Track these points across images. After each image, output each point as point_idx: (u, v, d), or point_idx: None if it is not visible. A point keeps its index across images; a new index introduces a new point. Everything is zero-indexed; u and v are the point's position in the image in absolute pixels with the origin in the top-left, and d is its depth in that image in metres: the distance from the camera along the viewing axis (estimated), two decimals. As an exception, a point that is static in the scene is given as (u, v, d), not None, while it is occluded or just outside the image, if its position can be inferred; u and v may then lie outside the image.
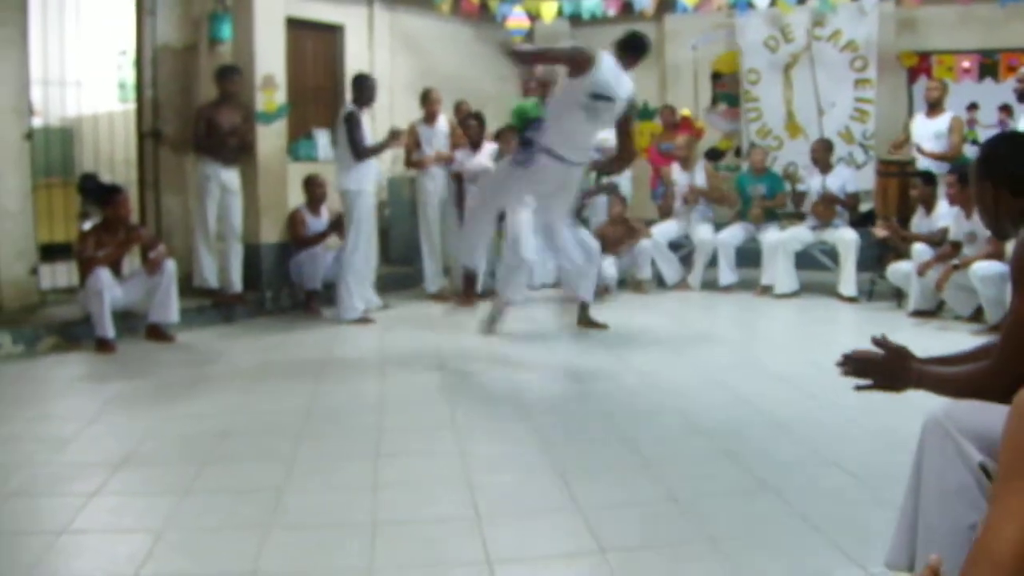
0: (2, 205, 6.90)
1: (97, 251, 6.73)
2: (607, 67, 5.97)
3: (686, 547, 3.23)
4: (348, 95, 8.09)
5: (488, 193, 6.80)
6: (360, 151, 7.82)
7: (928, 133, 8.62)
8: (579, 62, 5.93)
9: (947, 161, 8.29)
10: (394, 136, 7.98)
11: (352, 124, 7.82)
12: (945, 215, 7.81)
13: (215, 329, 7.57)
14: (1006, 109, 9.57)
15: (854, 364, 2.68)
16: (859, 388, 2.70)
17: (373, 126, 8.47)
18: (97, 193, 7.24)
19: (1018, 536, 1.27)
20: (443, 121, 9.13)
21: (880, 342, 2.65)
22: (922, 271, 7.60)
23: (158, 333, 7.00)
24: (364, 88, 7.97)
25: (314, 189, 8.46)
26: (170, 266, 6.94)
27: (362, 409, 5.17)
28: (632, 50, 6.16)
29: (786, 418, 4.83)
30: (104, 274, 6.65)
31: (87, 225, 7.02)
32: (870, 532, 3.16)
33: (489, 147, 8.86)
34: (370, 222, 8.24)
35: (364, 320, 7.94)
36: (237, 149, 7.94)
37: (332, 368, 6.31)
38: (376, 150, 8.02)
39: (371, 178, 8.12)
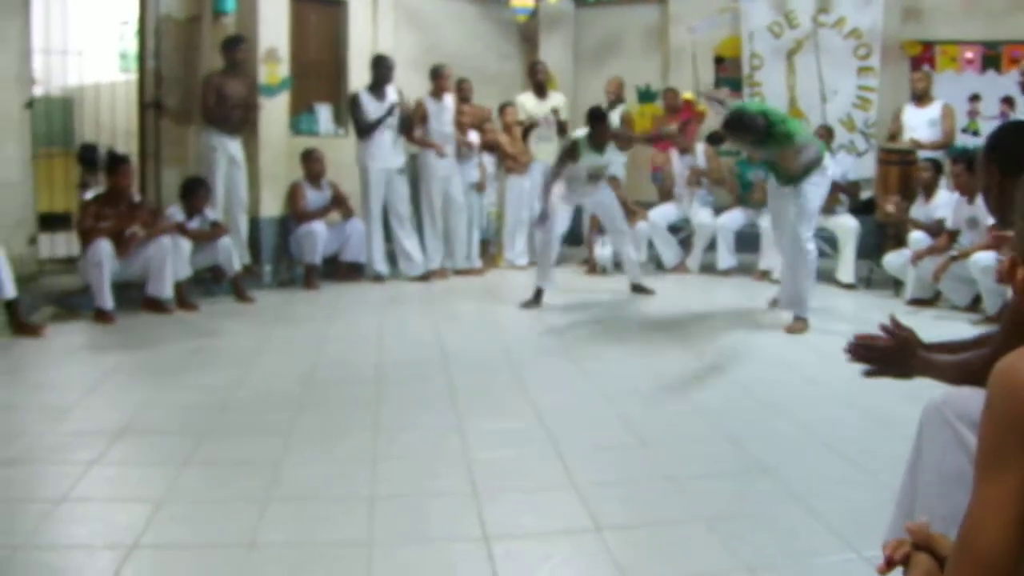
0: (1, 174, 6.89)
1: (98, 222, 6.71)
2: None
3: (681, 527, 3.25)
4: (352, 71, 8.25)
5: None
6: (360, 129, 8.43)
7: (920, 122, 8.63)
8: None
9: (941, 148, 8.29)
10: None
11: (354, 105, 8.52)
12: (943, 205, 7.79)
13: (214, 302, 7.56)
14: (1008, 101, 9.55)
15: (861, 350, 2.66)
16: (867, 374, 2.68)
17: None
18: (105, 162, 7.24)
19: (999, 531, 1.24)
20: (449, 99, 9.10)
21: (886, 328, 2.63)
22: (915, 260, 7.61)
23: (154, 304, 6.99)
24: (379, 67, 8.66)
25: (312, 163, 8.45)
26: (165, 242, 6.92)
27: (362, 382, 5.19)
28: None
29: (784, 402, 4.84)
30: (105, 245, 6.64)
31: (89, 195, 6.98)
32: (866, 516, 3.17)
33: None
34: (379, 192, 8.62)
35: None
36: (242, 120, 7.94)
37: (331, 342, 6.32)
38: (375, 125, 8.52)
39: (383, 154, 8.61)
